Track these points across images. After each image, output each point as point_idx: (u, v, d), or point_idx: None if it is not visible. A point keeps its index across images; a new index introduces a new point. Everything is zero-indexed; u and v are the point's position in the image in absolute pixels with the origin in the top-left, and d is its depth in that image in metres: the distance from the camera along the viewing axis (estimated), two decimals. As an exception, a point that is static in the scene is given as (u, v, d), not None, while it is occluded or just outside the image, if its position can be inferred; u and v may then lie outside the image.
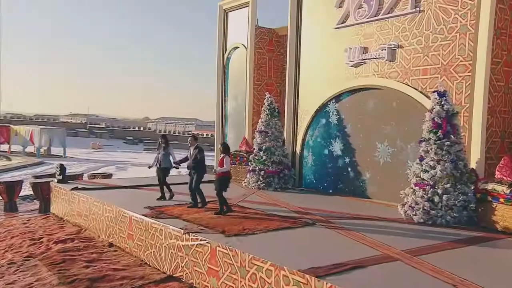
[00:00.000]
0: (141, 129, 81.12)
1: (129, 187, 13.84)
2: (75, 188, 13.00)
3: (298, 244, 7.72)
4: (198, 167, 10.50)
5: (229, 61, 17.49)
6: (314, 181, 14.01)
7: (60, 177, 14.39)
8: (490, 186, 9.02)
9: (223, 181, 9.93)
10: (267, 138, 13.80)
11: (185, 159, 10.97)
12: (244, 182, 14.35)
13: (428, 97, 10.98)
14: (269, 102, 14.04)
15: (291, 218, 9.56)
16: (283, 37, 16.74)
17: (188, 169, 10.69)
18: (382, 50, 11.99)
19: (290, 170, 14.02)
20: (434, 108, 9.67)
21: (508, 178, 8.82)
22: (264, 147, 13.72)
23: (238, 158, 14.80)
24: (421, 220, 9.39)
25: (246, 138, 15.88)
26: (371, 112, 12.47)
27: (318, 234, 8.41)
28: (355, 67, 12.74)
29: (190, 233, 8.16)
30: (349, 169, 13.02)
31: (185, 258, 8.20)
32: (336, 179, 13.40)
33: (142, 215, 9.65)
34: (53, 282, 8.12)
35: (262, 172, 13.57)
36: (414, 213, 9.57)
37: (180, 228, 8.46)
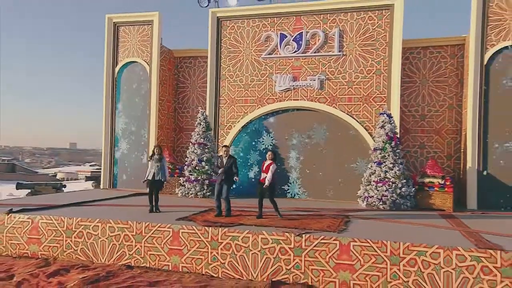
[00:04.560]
0: None
1: (86, 203, 10.63)
2: (12, 211, 9.26)
3: (415, 233, 8.13)
4: (231, 176, 9.49)
5: (120, 76, 15.13)
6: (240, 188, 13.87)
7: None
8: (427, 180, 11.56)
9: (274, 187, 9.34)
10: (206, 150, 12.99)
11: (217, 167, 9.67)
12: (181, 192, 12.99)
13: (353, 117, 13.00)
14: (204, 116, 13.20)
15: (327, 216, 9.51)
16: (177, 58, 15.72)
17: (219, 178, 9.45)
18: (311, 80, 13.29)
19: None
20: (385, 126, 11.65)
21: (440, 173, 11.57)
22: (205, 158, 12.86)
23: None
24: (388, 208, 11.17)
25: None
26: (294, 129, 13.57)
27: (390, 226, 8.69)
28: (284, 91, 13.59)
29: (302, 234, 7.68)
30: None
31: (295, 259, 7.62)
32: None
33: (204, 226, 8.18)
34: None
35: (207, 181, 12.70)
36: (381, 203, 11.25)
37: (286, 232, 7.78)
